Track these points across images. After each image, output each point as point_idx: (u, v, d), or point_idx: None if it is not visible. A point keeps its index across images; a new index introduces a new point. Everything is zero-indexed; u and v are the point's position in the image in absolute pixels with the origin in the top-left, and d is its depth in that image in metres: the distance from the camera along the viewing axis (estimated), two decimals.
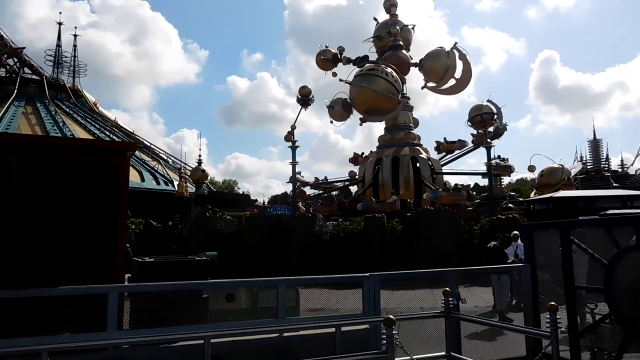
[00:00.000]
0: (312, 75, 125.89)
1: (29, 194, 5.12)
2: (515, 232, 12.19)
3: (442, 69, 27.91)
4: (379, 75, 24.26)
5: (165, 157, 50.38)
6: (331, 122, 28.84)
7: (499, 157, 27.50)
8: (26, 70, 50.07)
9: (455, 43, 28.21)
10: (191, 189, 37.09)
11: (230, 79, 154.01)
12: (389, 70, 24.78)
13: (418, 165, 27.42)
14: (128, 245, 6.85)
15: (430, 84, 29.04)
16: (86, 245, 5.20)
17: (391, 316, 3.42)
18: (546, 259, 6.06)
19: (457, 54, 27.94)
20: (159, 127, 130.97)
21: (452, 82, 28.43)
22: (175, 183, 38.43)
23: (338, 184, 33.83)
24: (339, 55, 29.49)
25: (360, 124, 28.11)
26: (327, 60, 29.46)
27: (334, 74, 28.40)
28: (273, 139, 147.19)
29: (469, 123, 26.55)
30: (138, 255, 7.38)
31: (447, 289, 4.75)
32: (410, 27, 30.91)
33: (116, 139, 45.06)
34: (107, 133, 46.27)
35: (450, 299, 4.69)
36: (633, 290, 4.39)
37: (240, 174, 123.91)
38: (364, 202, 25.59)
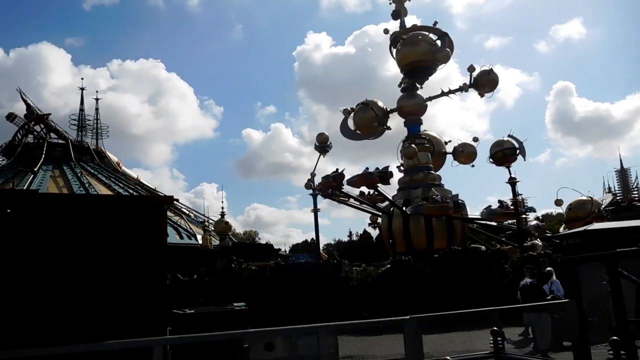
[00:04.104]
0: (324, 123, 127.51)
1: (69, 249, 5.30)
2: (550, 268, 11.85)
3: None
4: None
5: (187, 212, 50.97)
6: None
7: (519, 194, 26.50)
8: (52, 135, 51.92)
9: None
10: (215, 241, 37.30)
11: (245, 131, 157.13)
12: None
13: None
14: None
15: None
16: (129, 297, 5.30)
17: (448, 357, 3.37)
18: (588, 292, 5.89)
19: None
20: (180, 183, 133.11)
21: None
22: (198, 236, 38.67)
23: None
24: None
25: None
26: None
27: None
28: (290, 188, 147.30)
29: (491, 160, 26.19)
30: (176, 307, 7.43)
31: (495, 328, 4.65)
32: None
33: None
34: (131, 191, 47.28)
35: (498, 338, 4.58)
36: None
37: (259, 224, 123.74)
38: (414, 205, 25.59)
